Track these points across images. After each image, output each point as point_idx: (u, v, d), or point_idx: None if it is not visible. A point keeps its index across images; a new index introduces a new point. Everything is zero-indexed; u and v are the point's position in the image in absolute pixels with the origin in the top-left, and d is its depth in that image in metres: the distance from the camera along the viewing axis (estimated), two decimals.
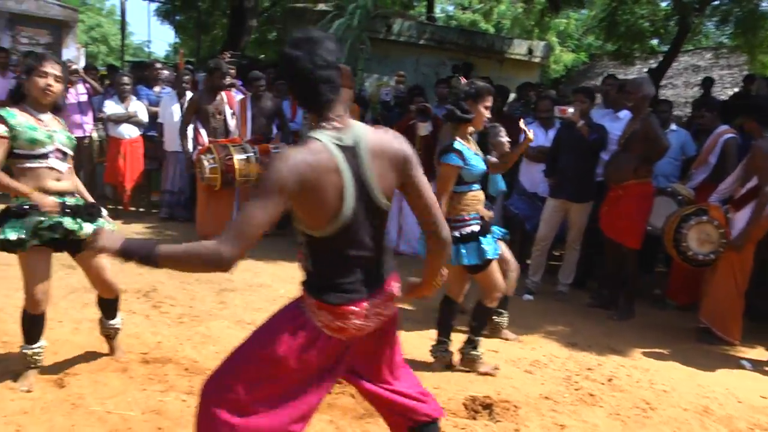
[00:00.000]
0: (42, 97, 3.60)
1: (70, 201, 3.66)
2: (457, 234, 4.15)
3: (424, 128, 7.16)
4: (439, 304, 4.57)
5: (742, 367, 5.05)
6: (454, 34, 13.65)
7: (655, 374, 4.69)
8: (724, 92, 16.06)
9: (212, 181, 6.87)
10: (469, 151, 4.20)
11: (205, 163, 6.84)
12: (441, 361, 4.49)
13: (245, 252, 2.10)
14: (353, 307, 2.27)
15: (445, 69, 12.75)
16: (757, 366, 5.10)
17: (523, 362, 4.71)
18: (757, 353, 5.39)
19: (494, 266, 4.32)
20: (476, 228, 4.22)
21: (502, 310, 5.14)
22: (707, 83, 11.20)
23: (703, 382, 4.62)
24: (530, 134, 4.88)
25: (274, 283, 6.13)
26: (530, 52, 14.00)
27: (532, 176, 7.00)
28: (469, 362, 4.46)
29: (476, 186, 4.27)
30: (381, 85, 11.21)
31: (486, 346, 4.94)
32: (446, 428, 3.59)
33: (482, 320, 4.53)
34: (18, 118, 3.55)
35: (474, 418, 3.78)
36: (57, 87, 3.63)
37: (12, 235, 3.44)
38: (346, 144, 2.18)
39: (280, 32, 17.42)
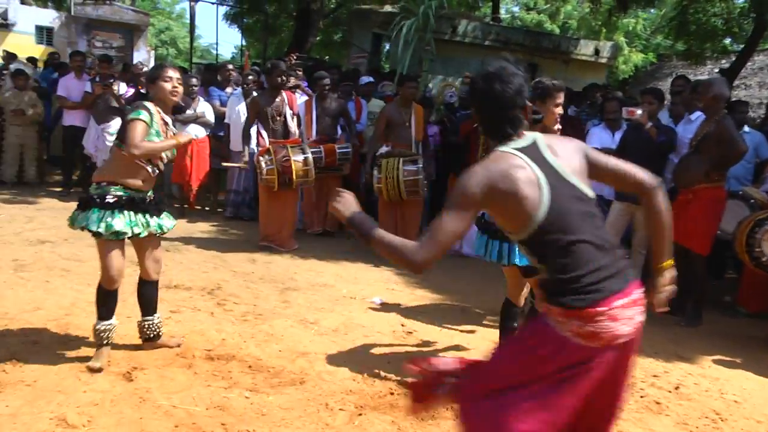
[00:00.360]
0: (169, 100, 4.06)
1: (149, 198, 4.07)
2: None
3: None
4: (501, 306, 4.51)
5: None
6: (519, 35, 13.53)
7: (725, 383, 4.53)
8: None
9: (270, 182, 6.96)
10: None
11: (263, 164, 6.94)
12: None
13: (438, 257, 2.26)
14: (600, 308, 2.16)
15: None
16: None
17: None
18: None
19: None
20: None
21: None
22: None
23: None
24: None
25: (337, 284, 6.17)
26: (597, 52, 13.76)
27: None
28: None
29: None
30: (446, 86, 11.16)
31: None
32: None
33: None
34: (155, 116, 3.99)
35: None
36: (180, 89, 4.09)
37: (120, 227, 3.84)
38: (525, 145, 2.30)
39: (346, 33, 17.52)
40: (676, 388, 4.36)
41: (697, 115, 6.27)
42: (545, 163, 2.26)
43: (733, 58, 12.67)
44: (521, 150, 2.28)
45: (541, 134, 2.36)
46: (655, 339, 5.30)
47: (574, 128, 7.46)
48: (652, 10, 19.28)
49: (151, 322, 4.23)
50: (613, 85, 17.26)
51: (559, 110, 4.08)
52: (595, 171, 2.37)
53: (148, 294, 4.25)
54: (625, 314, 2.20)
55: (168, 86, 4.03)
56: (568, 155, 2.32)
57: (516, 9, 25.06)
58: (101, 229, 3.79)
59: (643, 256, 6.29)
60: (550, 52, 13.24)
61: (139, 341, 4.28)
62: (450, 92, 9.73)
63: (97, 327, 3.95)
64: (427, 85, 10.73)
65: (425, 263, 2.23)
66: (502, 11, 22.75)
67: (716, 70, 15.18)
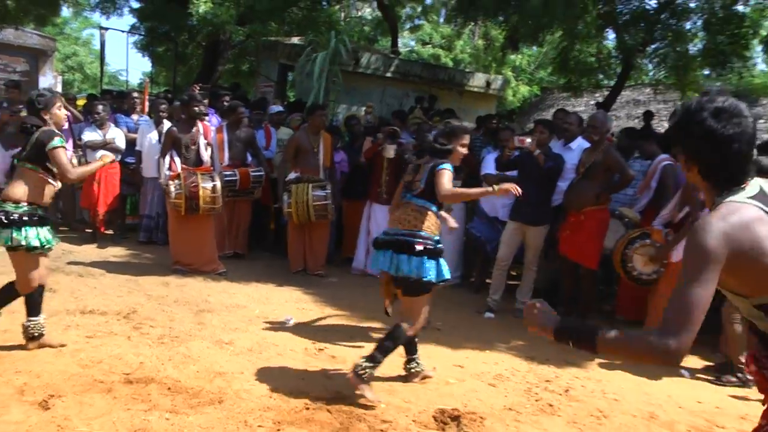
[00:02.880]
0: (61, 126, 4.51)
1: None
2: (421, 248, 4.20)
3: (391, 150, 7.24)
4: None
5: (682, 376, 5.19)
6: (417, 68, 13.82)
7: (606, 384, 4.79)
8: (661, 125, 16.49)
9: (177, 206, 6.86)
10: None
11: (172, 188, 6.84)
12: (415, 375, 4.53)
13: (694, 336, 1.83)
14: None
15: (408, 100, 12.87)
16: (693, 374, 5.25)
17: (487, 376, 4.76)
18: (693, 362, 5.52)
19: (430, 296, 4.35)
20: (440, 249, 4.32)
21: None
22: (648, 116, 11.53)
23: (649, 391, 4.75)
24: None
25: (249, 304, 6.11)
26: (488, 84, 14.23)
27: (493, 202, 7.11)
28: (412, 376, 4.52)
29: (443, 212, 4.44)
30: (351, 116, 11.28)
31: (452, 360, 5.01)
32: None
33: (397, 342, 4.27)
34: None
35: (443, 430, 3.83)
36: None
37: (35, 242, 4.23)
38: (754, 193, 1.92)
39: (254, 63, 17.41)
40: (566, 390, 4.58)
41: (578, 144, 6.62)
42: None
43: (606, 92, 13.43)
44: (755, 199, 1.91)
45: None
46: (549, 348, 5.51)
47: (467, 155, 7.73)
48: (535, 48, 20.20)
49: (36, 323, 4.41)
50: (502, 114, 17.91)
51: (465, 150, 4.42)
52: None
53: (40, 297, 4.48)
54: None
55: (63, 113, 4.45)
56: None
57: (413, 43, 25.62)
58: (39, 243, 4.20)
59: (534, 272, 6.57)
60: (446, 84, 13.59)
61: (55, 370, 4.12)
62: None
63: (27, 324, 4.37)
64: (334, 115, 10.83)
65: (683, 350, 1.82)
66: (401, 45, 23.24)
67: (592, 102, 16.03)
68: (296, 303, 6.37)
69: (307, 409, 3.89)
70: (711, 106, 1.91)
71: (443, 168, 4.23)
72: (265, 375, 4.38)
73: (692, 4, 10.55)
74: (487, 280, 6.85)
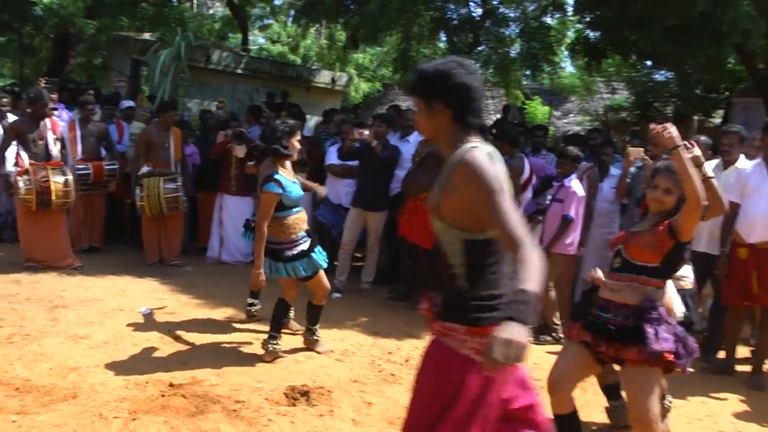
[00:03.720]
0: None
1: None
2: (290, 253, 4.40)
3: (240, 150, 7.06)
4: (275, 304, 4.58)
5: None
6: (266, 65, 13.57)
7: None
8: (489, 118, 17.36)
9: (28, 201, 6.30)
10: (287, 179, 4.36)
11: (21, 184, 6.27)
12: (271, 354, 4.49)
13: None
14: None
15: (259, 95, 12.63)
16: None
17: (335, 352, 4.80)
18: None
19: (322, 273, 4.58)
20: (305, 246, 4.46)
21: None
22: None
23: None
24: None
25: (105, 297, 5.74)
26: (333, 81, 14.26)
27: (337, 190, 7.15)
28: (269, 354, 4.53)
29: (297, 209, 4.41)
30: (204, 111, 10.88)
31: (302, 340, 5.00)
32: (270, 416, 3.60)
33: (316, 315, 4.76)
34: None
35: (294, 405, 3.82)
36: None
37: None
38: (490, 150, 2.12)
39: (105, 58, 16.28)
40: (407, 360, 4.71)
41: (415, 136, 6.79)
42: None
43: None
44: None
45: None
46: (391, 323, 5.68)
47: (312, 146, 7.72)
48: (377, 48, 20.50)
49: None
50: (347, 108, 18.04)
51: (299, 145, 4.55)
52: None
53: None
54: None
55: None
56: None
57: (262, 41, 25.06)
58: None
59: (376, 254, 6.69)
60: (294, 80, 13.45)
61: None
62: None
63: None
64: (185, 109, 10.37)
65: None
66: (251, 43, 22.66)
67: None
68: (153, 293, 6.07)
69: (163, 396, 3.73)
70: (460, 66, 2.12)
71: (265, 190, 4.30)
72: (122, 366, 4.15)
73: (511, 14, 11.20)
74: (334, 263, 6.88)
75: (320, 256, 4.56)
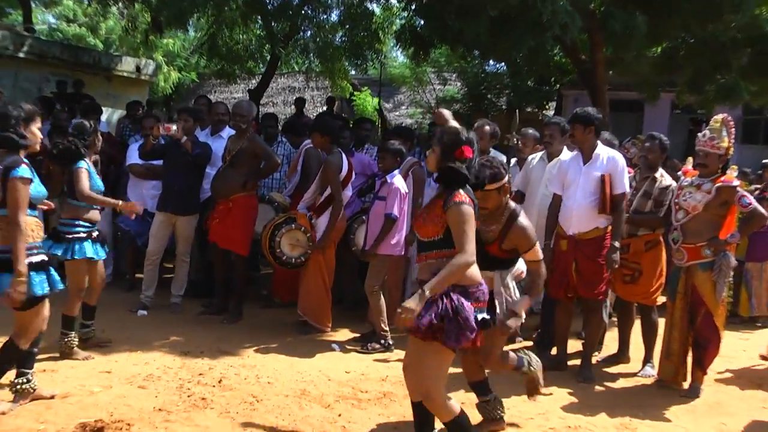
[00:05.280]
0: None
1: None
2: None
3: None
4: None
5: (333, 350, 5.55)
6: (57, 48, 12.66)
7: (261, 369, 4.90)
8: (315, 110, 17.46)
9: None
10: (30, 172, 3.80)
11: None
12: (24, 395, 3.99)
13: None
14: None
15: (49, 84, 11.72)
16: (343, 346, 5.65)
17: (137, 378, 4.54)
18: (343, 335, 5.98)
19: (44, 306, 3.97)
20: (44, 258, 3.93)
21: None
22: (299, 103, 12.13)
23: (301, 369, 4.98)
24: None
25: None
26: (138, 69, 13.62)
27: (141, 193, 6.79)
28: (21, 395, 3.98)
29: (35, 212, 3.95)
30: None
31: (98, 367, 4.68)
32: None
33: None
34: None
35: None
36: None
37: None
38: None
39: None
40: (220, 381, 4.58)
41: (227, 132, 6.62)
42: None
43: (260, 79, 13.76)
44: None
45: None
46: (202, 340, 5.49)
47: (110, 144, 7.29)
48: (190, 33, 19.85)
49: None
50: (158, 101, 17.30)
51: (39, 134, 4.01)
52: None
53: None
54: None
55: None
56: None
57: (53, 20, 23.30)
58: None
59: (186, 264, 6.44)
60: (92, 68, 12.66)
61: None
62: None
63: None
64: None
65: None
66: (38, 21, 20.97)
67: (248, 89, 16.31)
68: None
69: None
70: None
71: (14, 176, 3.70)
72: None
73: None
74: (140, 275, 6.53)
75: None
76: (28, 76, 11.78)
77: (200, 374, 4.69)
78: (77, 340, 4.92)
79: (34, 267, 3.78)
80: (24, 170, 3.72)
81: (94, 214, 4.87)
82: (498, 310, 3.79)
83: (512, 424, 4.13)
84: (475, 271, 3.20)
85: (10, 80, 11.38)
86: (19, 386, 3.95)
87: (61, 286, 3.98)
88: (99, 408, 4.00)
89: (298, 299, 5.99)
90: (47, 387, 4.18)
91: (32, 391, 4.00)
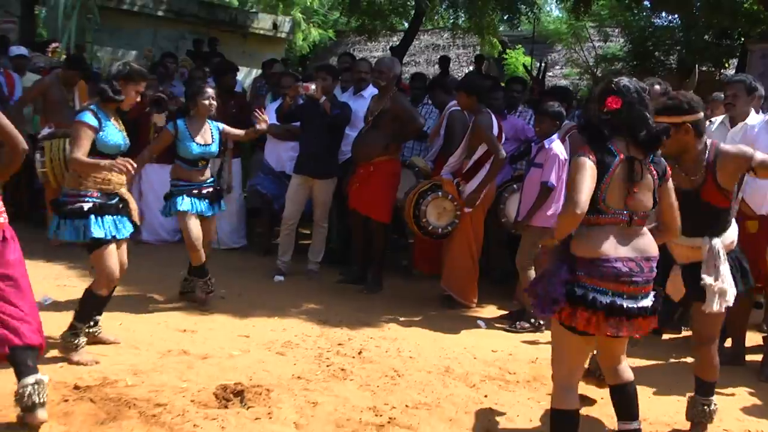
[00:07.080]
0: None
1: None
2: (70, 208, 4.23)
3: (160, 118, 6.87)
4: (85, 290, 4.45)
5: (478, 327, 5.59)
6: (194, 6, 13.33)
7: (402, 342, 5.02)
8: (461, 70, 17.30)
9: None
10: (112, 126, 4.30)
11: None
12: (69, 348, 4.32)
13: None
14: None
15: (186, 43, 12.38)
16: (489, 323, 5.68)
17: (276, 345, 4.78)
18: (490, 311, 5.99)
19: (108, 251, 4.29)
20: (88, 205, 4.24)
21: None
22: (444, 62, 12.08)
23: (445, 345, 5.04)
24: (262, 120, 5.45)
25: None
26: (275, 27, 14.07)
27: (278, 155, 7.06)
28: (65, 349, 4.31)
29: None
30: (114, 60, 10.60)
31: (236, 330, 4.97)
32: (197, 421, 3.57)
33: (88, 307, 4.42)
34: None
35: (226, 407, 3.79)
36: None
37: None
38: None
39: None
40: (360, 353, 4.73)
41: (370, 92, 6.72)
42: None
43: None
44: None
45: None
46: (341, 309, 5.68)
47: (240, 106, 7.53)
48: None
49: None
50: (293, 60, 17.83)
51: (138, 97, 4.47)
52: None
53: None
54: None
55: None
56: None
57: None
58: None
59: (324, 230, 6.65)
60: (228, 25, 13.26)
61: None
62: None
63: None
64: (92, 60, 10.10)
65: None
66: None
67: (389, 47, 16.46)
68: (56, 280, 5.97)
69: (66, 401, 3.67)
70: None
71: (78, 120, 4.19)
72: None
73: None
74: (276, 241, 6.84)
75: (106, 224, 4.26)
76: (166, 34, 12.52)
77: (339, 344, 4.87)
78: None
79: (71, 213, 4.19)
80: (89, 117, 4.17)
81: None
82: (707, 281, 3.58)
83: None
84: (598, 242, 3.02)
85: (149, 38, 12.13)
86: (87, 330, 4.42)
87: (95, 236, 4.19)
88: (238, 371, 4.26)
89: (441, 272, 6.05)
90: (190, 348, 4.52)
91: (95, 336, 4.51)
